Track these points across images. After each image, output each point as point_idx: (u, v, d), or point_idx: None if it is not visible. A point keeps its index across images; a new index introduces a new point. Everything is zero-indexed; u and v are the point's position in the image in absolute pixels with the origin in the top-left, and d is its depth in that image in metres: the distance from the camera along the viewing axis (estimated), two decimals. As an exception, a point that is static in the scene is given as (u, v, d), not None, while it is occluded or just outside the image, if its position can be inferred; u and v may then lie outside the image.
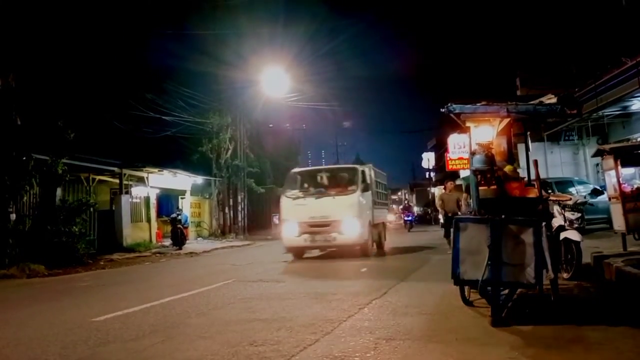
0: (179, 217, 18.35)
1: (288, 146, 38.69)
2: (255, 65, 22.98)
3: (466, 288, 5.10)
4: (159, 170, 19.73)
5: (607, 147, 8.79)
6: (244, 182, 25.86)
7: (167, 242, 18.76)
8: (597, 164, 17.30)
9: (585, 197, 8.20)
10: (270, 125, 34.03)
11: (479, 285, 4.42)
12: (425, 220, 37.17)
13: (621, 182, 7.95)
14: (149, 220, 19.07)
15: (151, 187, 19.63)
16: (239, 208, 25.40)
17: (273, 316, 5.10)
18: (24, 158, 11.83)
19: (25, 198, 12.28)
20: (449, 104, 5.02)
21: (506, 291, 4.65)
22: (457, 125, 5.58)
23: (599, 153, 8.75)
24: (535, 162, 5.13)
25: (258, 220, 28.64)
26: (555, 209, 6.43)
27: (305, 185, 12.25)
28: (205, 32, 21.13)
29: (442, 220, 13.59)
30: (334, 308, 5.39)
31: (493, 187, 5.05)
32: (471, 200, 7.19)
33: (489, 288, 4.41)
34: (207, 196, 25.10)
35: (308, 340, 4.04)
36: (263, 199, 29.86)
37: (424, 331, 4.21)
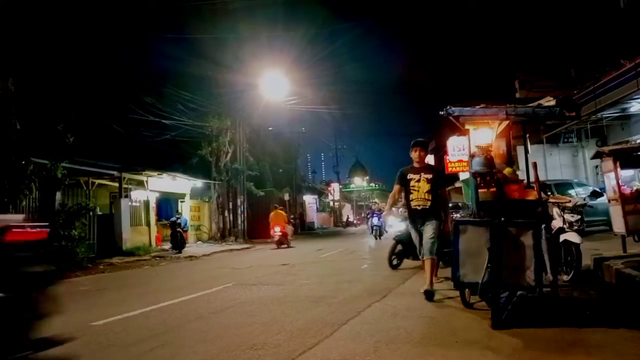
0: (179, 220, 18.35)
1: (287, 149, 38.73)
2: (255, 68, 23.02)
3: (466, 291, 5.10)
4: (158, 174, 19.73)
5: (606, 149, 8.79)
6: (244, 185, 25.85)
7: (167, 245, 18.74)
8: (597, 166, 17.31)
9: (584, 199, 8.19)
10: (270, 129, 34.06)
11: (479, 288, 4.41)
12: None
13: (620, 184, 7.96)
14: (148, 224, 19.06)
15: (151, 190, 19.62)
16: (239, 211, 25.38)
17: (272, 320, 5.09)
18: (23, 162, 11.81)
19: (24, 202, 12.25)
20: (448, 107, 5.03)
21: (506, 294, 4.65)
22: (457, 128, 5.58)
23: (598, 155, 8.75)
24: (535, 164, 5.13)
25: (258, 223, 28.60)
26: (555, 211, 6.43)
27: None
28: (205, 35, 21.17)
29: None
30: (334, 311, 5.38)
31: (492, 189, 5.05)
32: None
33: (489, 291, 4.40)
34: (207, 200, 25.10)
35: (308, 343, 4.04)
36: (263, 202, 29.83)
37: (424, 334, 4.20)
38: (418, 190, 5.84)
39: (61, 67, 15.06)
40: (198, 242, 22.62)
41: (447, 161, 27.97)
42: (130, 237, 16.96)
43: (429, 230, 5.73)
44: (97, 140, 18.57)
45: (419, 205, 5.83)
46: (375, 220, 20.88)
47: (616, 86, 13.85)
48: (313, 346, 3.97)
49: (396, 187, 6.08)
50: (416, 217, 5.91)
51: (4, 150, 11.49)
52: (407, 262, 8.97)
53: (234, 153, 25.08)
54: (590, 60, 16.28)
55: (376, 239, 20.02)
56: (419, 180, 5.87)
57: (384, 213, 6.97)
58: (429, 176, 5.88)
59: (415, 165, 6.05)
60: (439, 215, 5.88)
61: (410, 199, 5.91)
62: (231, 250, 19.29)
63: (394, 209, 7.87)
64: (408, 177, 5.96)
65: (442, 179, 6.09)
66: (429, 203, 5.80)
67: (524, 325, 4.21)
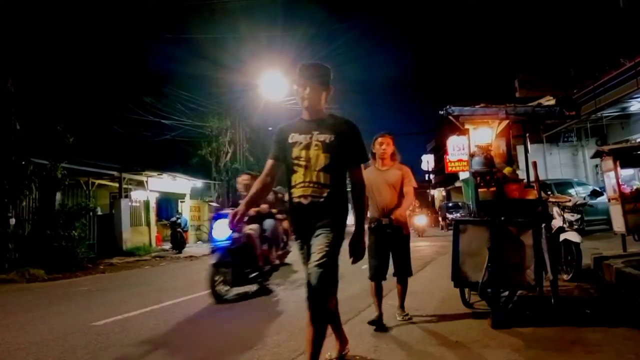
0: (179, 220, 18.38)
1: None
2: (255, 68, 23.03)
3: (466, 290, 5.10)
4: (158, 174, 19.75)
5: (606, 148, 8.80)
6: (244, 185, 25.83)
7: (167, 245, 18.76)
8: (596, 165, 17.33)
9: (584, 199, 8.20)
10: (270, 128, 34.01)
11: (479, 287, 4.41)
12: None
13: (620, 183, 7.96)
14: (148, 224, 19.08)
15: (151, 190, 19.64)
16: (239, 211, 25.35)
17: (272, 319, 5.09)
18: (23, 163, 11.83)
19: (24, 203, 12.27)
20: (448, 106, 5.04)
21: (506, 293, 4.65)
22: (457, 128, 5.58)
23: (598, 154, 8.76)
24: (535, 163, 5.13)
25: (258, 223, 28.58)
26: (555, 210, 6.43)
27: None
28: (204, 35, 21.17)
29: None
30: (334, 311, 5.37)
31: (492, 189, 5.05)
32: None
33: (489, 290, 4.40)
34: (207, 199, 25.11)
35: (308, 343, 4.03)
36: (262, 202, 29.79)
37: (424, 334, 4.20)
38: (305, 166, 2.85)
39: (61, 67, 15.07)
40: (198, 242, 22.63)
41: (447, 161, 28.15)
42: (130, 237, 16.98)
43: (319, 245, 2.83)
44: (97, 141, 18.60)
45: (305, 196, 2.84)
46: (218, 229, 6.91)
47: (616, 85, 13.86)
48: (313, 346, 3.96)
49: (268, 163, 3.04)
50: (302, 221, 2.94)
51: (4, 151, 11.50)
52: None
53: (234, 153, 25.08)
54: (590, 60, 16.28)
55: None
56: (307, 147, 2.88)
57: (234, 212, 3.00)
58: (328, 138, 2.87)
59: (304, 117, 3.03)
60: (342, 215, 2.93)
61: (292, 183, 2.91)
62: (231, 250, 19.25)
63: (259, 206, 6.15)
64: (289, 141, 2.93)
65: (358, 143, 2.99)
66: (325, 193, 2.82)
67: (524, 324, 4.21)
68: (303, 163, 2.87)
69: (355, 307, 5.45)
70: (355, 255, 2.93)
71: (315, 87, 2.95)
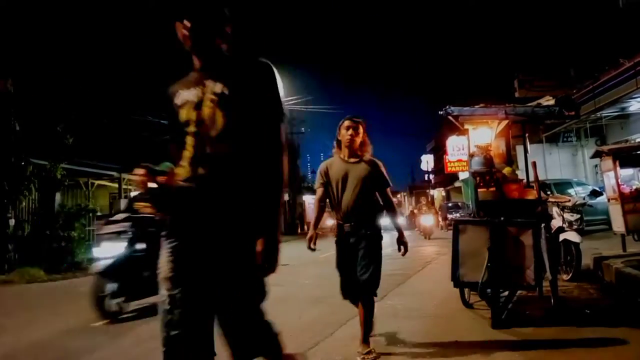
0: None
1: (287, 150, 38.63)
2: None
3: (466, 290, 5.10)
4: (158, 175, 19.73)
5: (605, 148, 8.80)
6: (243, 185, 25.84)
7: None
8: (596, 165, 17.33)
9: (584, 199, 8.20)
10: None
11: (478, 288, 4.41)
12: None
13: (620, 183, 7.96)
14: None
15: (150, 191, 19.62)
16: (239, 212, 25.36)
17: (272, 320, 5.08)
18: (23, 163, 11.82)
19: (24, 203, 12.27)
20: (447, 107, 5.03)
21: (506, 293, 4.66)
22: (456, 128, 5.58)
23: (597, 154, 8.76)
24: (534, 163, 5.13)
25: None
26: (555, 210, 6.44)
27: None
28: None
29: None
30: (334, 312, 5.37)
31: (492, 189, 5.05)
32: None
33: (489, 290, 4.40)
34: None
35: (308, 344, 4.03)
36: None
37: (424, 334, 4.20)
38: (197, 133, 1.82)
39: (61, 68, 15.07)
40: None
41: (447, 161, 28.17)
42: (129, 237, 16.95)
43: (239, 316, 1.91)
44: (96, 141, 18.59)
45: (195, 179, 1.79)
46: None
47: (615, 85, 13.86)
48: (313, 346, 3.97)
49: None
50: (189, 216, 1.81)
51: (4, 151, 11.50)
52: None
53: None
54: (590, 60, 16.31)
55: None
56: (199, 105, 1.83)
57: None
58: (225, 87, 1.80)
59: (196, 65, 2.00)
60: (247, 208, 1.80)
61: (182, 161, 1.84)
62: (231, 250, 19.24)
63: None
64: (177, 102, 1.92)
65: (272, 91, 1.83)
66: (226, 171, 1.78)
67: (524, 324, 4.21)
68: (193, 129, 1.84)
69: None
70: (262, 267, 1.93)
71: (200, 19, 1.96)
